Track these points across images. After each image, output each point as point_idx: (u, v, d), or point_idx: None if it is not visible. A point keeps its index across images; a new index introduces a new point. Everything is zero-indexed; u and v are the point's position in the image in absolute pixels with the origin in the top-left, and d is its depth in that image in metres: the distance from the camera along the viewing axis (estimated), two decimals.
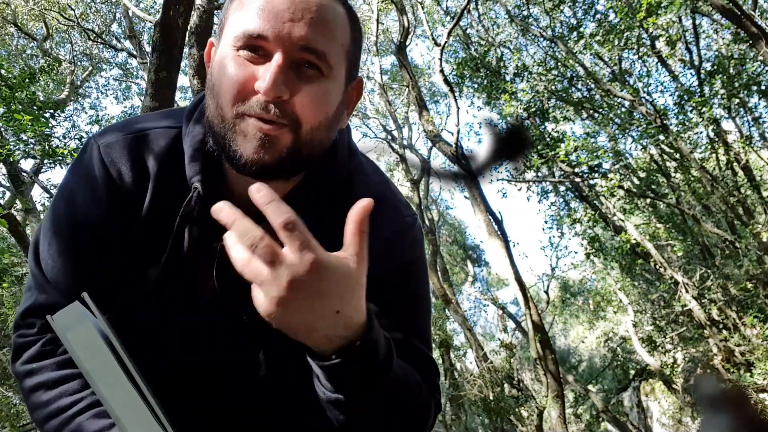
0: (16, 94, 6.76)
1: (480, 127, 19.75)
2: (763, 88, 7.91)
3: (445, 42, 9.25)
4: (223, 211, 0.56)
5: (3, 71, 6.97)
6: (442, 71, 9.06)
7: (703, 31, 9.13)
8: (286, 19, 0.67)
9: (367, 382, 0.63)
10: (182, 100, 12.04)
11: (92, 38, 11.20)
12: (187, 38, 4.22)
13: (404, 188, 17.52)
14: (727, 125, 9.33)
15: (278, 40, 0.67)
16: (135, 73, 13.38)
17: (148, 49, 7.62)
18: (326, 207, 0.79)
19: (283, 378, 0.82)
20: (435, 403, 0.83)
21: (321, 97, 0.70)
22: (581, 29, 9.24)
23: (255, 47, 0.68)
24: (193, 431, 0.77)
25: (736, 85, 7.88)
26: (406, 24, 10.30)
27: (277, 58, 0.67)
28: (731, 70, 8.07)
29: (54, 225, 0.81)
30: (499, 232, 8.63)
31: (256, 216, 0.59)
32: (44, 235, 0.81)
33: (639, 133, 8.38)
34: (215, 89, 0.71)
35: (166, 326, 0.82)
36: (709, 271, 7.96)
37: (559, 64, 9.74)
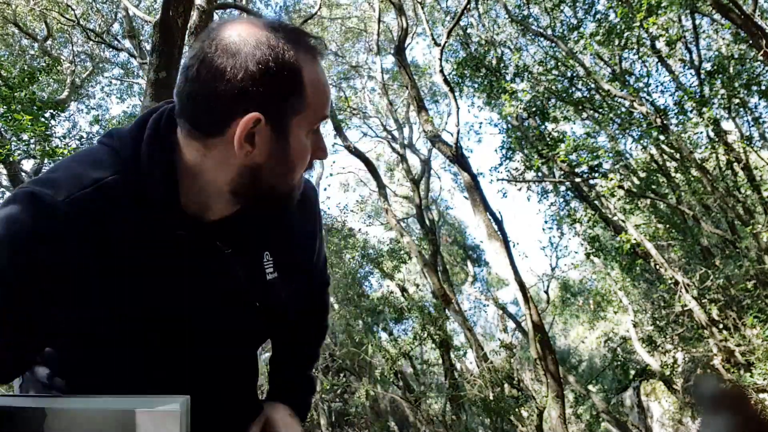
0: (16, 94, 6.75)
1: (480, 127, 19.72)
2: (763, 88, 7.90)
3: (445, 42, 9.25)
4: None
5: (3, 71, 6.96)
6: (442, 71, 9.06)
7: (703, 31, 9.13)
8: None
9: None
10: None
11: (93, 38, 11.19)
12: (186, 38, 4.22)
13: (404, 188, 17.53)
14: (727, 125, 9.33)
15: None
16: (136, 73, 13.38)
17: (148, 48, 7.61)
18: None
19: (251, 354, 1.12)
20: (324, 311, 1.30)
21: None
22: (581, 29, 9.23)
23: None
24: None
25: (736, 85, 7.88)
26: (404, 24, 10.30)
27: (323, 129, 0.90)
28: (731, 70, 8.06)
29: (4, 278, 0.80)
30: (499, 233, 8.62)
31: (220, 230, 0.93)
32: None
33: (639, 133, 8.38)
34: (292, 165, 0.87)
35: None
36: (709, 271, 7.96)
37: (559, 63, 9.73)
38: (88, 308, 0.85)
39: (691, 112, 7.56)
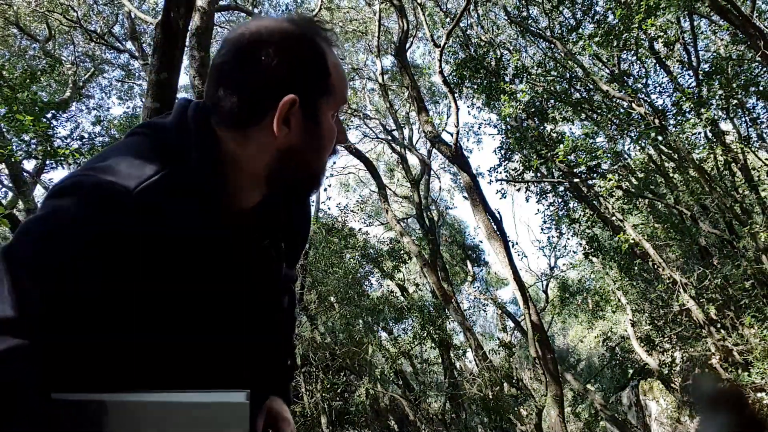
0: (18, 95, 6.76)
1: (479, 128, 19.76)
2: (761, 88, 7.94)
3: (445, 43, 9.28)
4: None
5: (5, 72, 6.98)
6: (441, 72, 9.09)
7: (701, 33, 9.16)
8: None
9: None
10: None
11: (95, 39, 11.20)
12: (188, 39, 4.23)
13: (404, 188, 17.54)
14: (725, 126, 9.37)
15: None
16: (137, 74, 13.37)
17: (150, 50, 7.61)
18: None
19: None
20: (295, 303, 1.29)
21: None
22: (580, 30, 9.26)
23: None
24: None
25: (734, 85, 7.91)
26: (405, 26, 10.32)
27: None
28: (729, 71, 8.10)
29: (68, 259, 0.75)
30: (498, 232, 8.66)
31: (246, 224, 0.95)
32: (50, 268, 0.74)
33: (637, 134, 8.41)
34: (322, 146, 0.94)
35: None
36: (707, 270, 8.00)
37: (558, 65, 9.76)
38: (146, 298, 0.83)
39: (689, 112, 7.59)
